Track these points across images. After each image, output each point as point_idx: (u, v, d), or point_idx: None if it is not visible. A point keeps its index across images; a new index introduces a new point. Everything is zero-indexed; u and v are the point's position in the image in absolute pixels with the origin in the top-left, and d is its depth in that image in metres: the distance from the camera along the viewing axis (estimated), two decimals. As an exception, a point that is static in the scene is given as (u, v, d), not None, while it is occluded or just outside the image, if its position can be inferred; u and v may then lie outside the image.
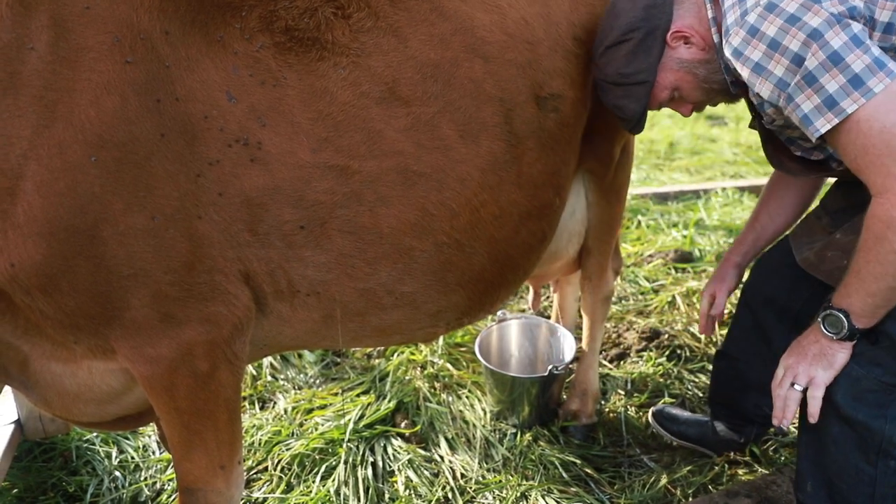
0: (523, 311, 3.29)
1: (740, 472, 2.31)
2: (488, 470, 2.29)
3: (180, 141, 1.28)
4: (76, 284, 1.25)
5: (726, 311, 3.20)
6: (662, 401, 2.66)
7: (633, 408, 2.64)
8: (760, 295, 2.11)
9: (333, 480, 2.18)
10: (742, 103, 1.80)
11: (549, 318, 2.97)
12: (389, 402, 2.55)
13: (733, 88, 1.70)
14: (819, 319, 1.57)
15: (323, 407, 2.55)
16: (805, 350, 1.62)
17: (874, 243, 1.42)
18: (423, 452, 2.34)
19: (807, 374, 1.59)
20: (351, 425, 2.39)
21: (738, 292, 2.24)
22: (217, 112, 1.31)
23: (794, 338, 2.09)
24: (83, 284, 1.25)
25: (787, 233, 2.02)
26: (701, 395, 2.71)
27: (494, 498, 2.17)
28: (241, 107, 1.33)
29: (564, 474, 2.26)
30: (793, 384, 1.61)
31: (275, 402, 2.60)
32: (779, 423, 1.64)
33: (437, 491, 2.18)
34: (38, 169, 1.19)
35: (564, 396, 2.64)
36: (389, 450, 2.34)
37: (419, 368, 2.80)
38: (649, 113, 1.81)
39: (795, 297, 2.00)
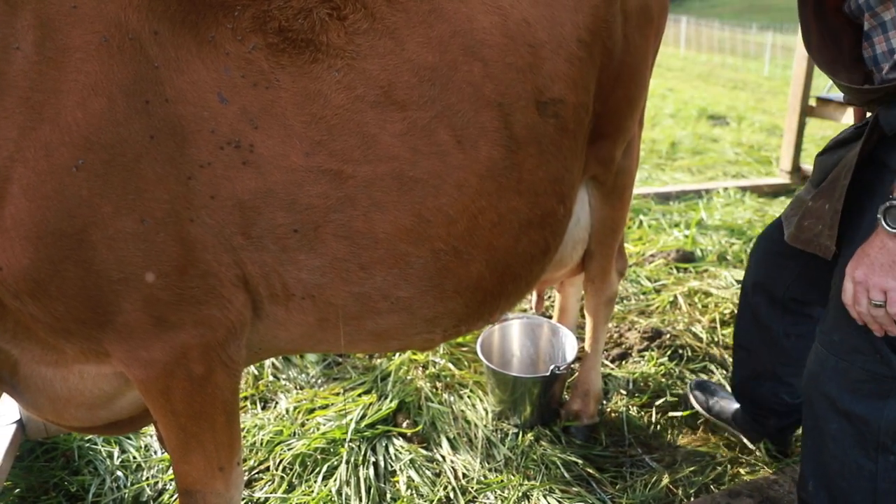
0: (525, 311, 3.28)
1: (742, 471, 2.30)
2: (490, 470, 2.29)
3: (170, 143, 1.26)
4: (65, 289, 1.23)
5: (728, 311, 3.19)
6: (664, 400, 2.65)
7: (634, 408, 2.63)
8: (751, 280, 2.13)
9: (335, 480, 2.18)
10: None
11: (551, 318, 2.96)
12: (391, 401, 2.55)
13: None
14: (880, 216, 1.39)
15: (325, 407, 2.55)
16: (872, 259, 1.42)
17: None
18: (424, 452, 2.34)
19: (880, 288, 1.41)
20: (353, 425, 2.39)
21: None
22: (208, 114, 1.29)
23: (788, 321, 2.10)
24: (73, 289, 1.24)
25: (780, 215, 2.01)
26: (704, 394, 2.70)
27: (496, 498, 2.16)
28: (232, 109, 1.31)
29: (566, 474, 2.26)
30: (871, 302, 1.44)
31: (276, 402, 2.60)
32: (882, 334, 1.49)
33: (438, 491, 2.18)
34: (25, 172, 1.17)
35: (566, 396, 2.63)
36: (391, 449, 2.33)
37: (421, 368, 2.80)
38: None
39: (779, 283, 2.01)
